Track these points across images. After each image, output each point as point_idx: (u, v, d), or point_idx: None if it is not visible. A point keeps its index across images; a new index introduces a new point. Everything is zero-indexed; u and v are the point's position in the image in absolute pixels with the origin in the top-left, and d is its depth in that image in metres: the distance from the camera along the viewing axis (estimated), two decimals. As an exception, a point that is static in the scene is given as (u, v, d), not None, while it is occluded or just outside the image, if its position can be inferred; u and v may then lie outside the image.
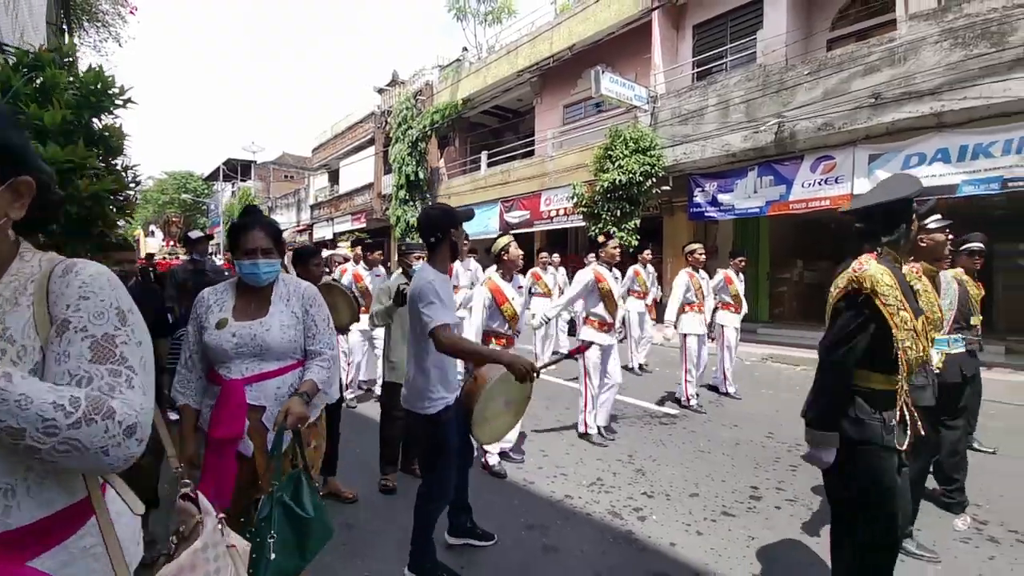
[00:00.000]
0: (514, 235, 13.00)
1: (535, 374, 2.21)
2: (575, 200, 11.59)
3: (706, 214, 10.46)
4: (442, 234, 2.44)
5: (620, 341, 9.14)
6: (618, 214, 10.40)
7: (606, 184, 10.26)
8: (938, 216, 2.71)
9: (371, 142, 20.11)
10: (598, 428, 4.59)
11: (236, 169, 34.43)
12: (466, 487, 2.87)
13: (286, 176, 36.12)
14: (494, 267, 3.93)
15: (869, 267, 1.82)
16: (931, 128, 7.48)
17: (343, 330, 4.05)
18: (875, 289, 1.78)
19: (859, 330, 1.81)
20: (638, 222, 10.53)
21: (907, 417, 1.87)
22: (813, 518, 3.21)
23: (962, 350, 3.34)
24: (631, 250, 10.22)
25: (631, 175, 9.95)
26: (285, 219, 28.65)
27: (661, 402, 5.85)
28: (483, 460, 3.84)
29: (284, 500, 1.70)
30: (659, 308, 9.75)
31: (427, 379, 2.41)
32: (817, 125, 8.24)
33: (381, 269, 6.22)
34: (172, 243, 17.56)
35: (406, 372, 2.52)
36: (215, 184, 36.69)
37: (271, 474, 1.74)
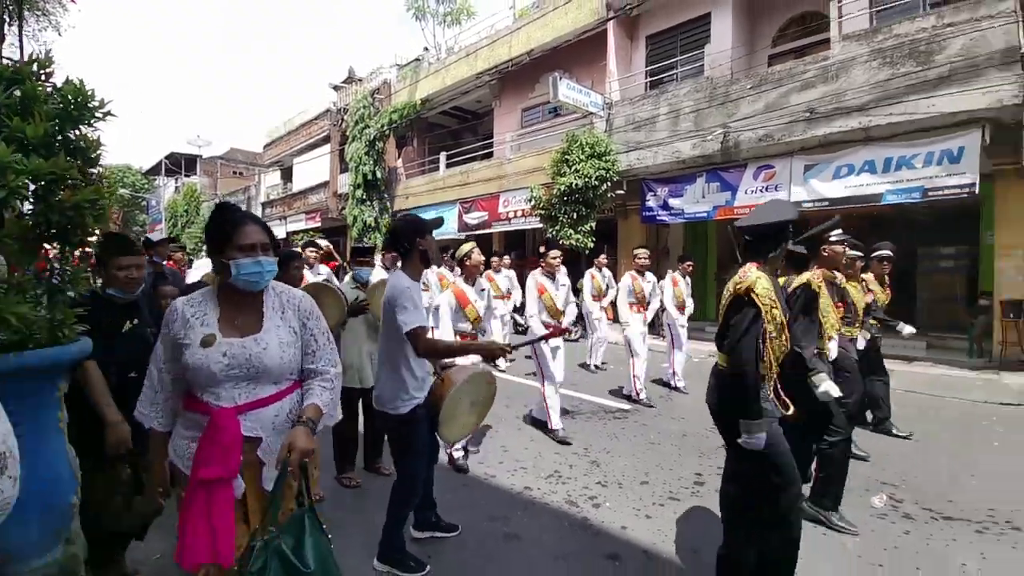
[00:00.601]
0: (473, 236, 13.10)
1: (509, 353, 2.51)
2: (533, 202, 11.83)
3: (658, 218, 10.91)
4: (409, 244, 2.58)
5: (576, 340, 9.46)
6: (574, 216, 10.70)
7: (563, 187, 10.54)
8: (839, 231, 3.20)
9: (326, 140, 19.76)
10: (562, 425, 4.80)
11: (180, 164, 32.95)
12: (431, 483, 3.00)
13: (235, 172, 34.84)
14: (444, 269, 4.05)
15: (751, 274, 2.23)
16: (859, 141, 8.12)
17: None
18: (753, 289, 2.18)
19: (751, 324, 2.19)
20: (593, 224, 10.87)
21: (781, 393, 2.30)
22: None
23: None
24: (587, 252, 10.57)
25: (587, 179, 10.27)
26: (234, 217, 27.61)
27: (614, 398, 6.13)
28: (448, 454, 3.99)
29: (282, 550, 1.43)
30: (615, 309, 10.11)
31: (400, 380, 2.54)
32: (759, 136, 8.78)
33: (322, 268, 6.15)
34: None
35: (377, 375, 2.63)
36: (156, 179, 35.00)
37: (268, 517, 1.51)
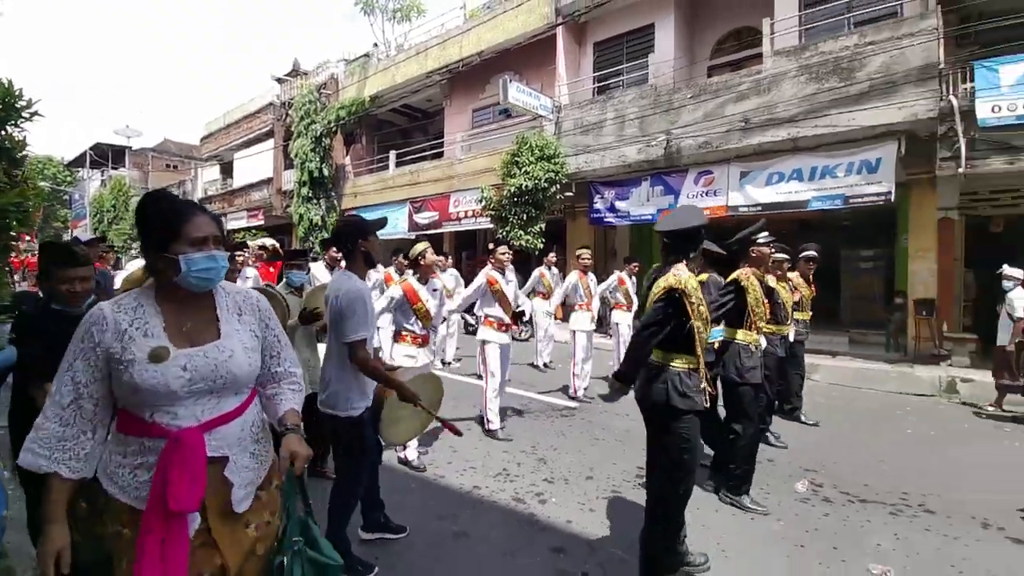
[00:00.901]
0: (423, 236, 13.02)
1: (417, 401, 2.60)
2: (483, 203, 11.88)
3: (605, 219, 11.21)
4: (352, 245, 2.59)
5: (527, 339, 9.59)
6: (524, 218, 10.83)
7: (513, 189, 10.65)
8: (765, 233, 3.49)
9: (270, 134, 19.05)
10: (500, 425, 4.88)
11: (106, 155, 30.85)
12: (377, 485, 3.00)
13: (168, 165, 33.03)
14: (391, 269, 4.07)
15: (683, 273, 2.46)
16: (789, 151, 8.65)
17: None
18: (686, 289, 2.41)
19: (667, 319, 2.45)
20: (543, 226, 11.04)
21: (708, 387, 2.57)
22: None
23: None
24: (537, 252, 10.73)
25: (536, 181, 10.42)
26: (169, 213, 26.23)
27: (562, 396, 6.27)
28: (402, 456, 4.01)
29: (310, 555, 1.46)
30: (565, 308, 10.33)
31: (350, 384, 2.55)
32: (699, 143, 9.19)
33: (249, 270, 6.02)
34: (29, 238, 15.47)
35: (326, 378, 2.62)
36: (80, 171, 32.64)
37: (289, 530, 1.48)
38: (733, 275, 3.42)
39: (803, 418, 5.31)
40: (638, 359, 2.53)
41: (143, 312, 1.38)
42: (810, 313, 5.52)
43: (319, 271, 5.37)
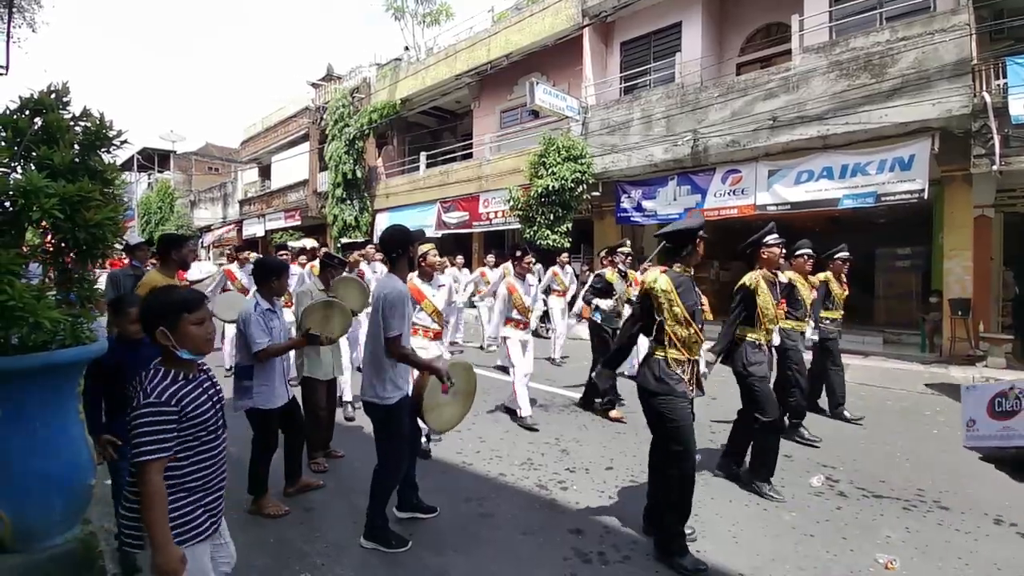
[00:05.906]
0: (452, 236, 13.35)
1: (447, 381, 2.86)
2: (511, 204, 12.10)
3: (632, 219, 11.29)
4: (402, 250, 2.89)
5: (548, 336, 9.80)
6: (551, 218, 11.00)
7: (540, 189, 10.83)
8: (775, 235, 3.62)
9: (305, 137, 19.74)
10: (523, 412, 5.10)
11: (153, 159, 32.38)
12: (414, 468, 3.26)
13: (210, 168, 34.41)
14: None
15: (649, 276, 2.86)
16: (818, 149, 8.57)
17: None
18: (652, 288, 2.78)
19: (641, 314, 2.92)
20: (570, 225, 11.19)
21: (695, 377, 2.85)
22: (699, 482, 3.85)
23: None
24: (568, 247, 10.89)
25: (563, 181, 10.58)
26: (210, 214, 27.47)
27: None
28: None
29: None
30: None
31: (385, 374, 2.81)
32: (726, 142, 9.18)
33: (295, 268, 6.44)
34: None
35: (364, 369, 2.90)
36: (129, 175, 34.30)
37: None
38: (742, 279, 3.56)
39: (847, 414, 5.33)
40: (619, 346, 3.04)
41: None
42: (842, 312, 5.53)
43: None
